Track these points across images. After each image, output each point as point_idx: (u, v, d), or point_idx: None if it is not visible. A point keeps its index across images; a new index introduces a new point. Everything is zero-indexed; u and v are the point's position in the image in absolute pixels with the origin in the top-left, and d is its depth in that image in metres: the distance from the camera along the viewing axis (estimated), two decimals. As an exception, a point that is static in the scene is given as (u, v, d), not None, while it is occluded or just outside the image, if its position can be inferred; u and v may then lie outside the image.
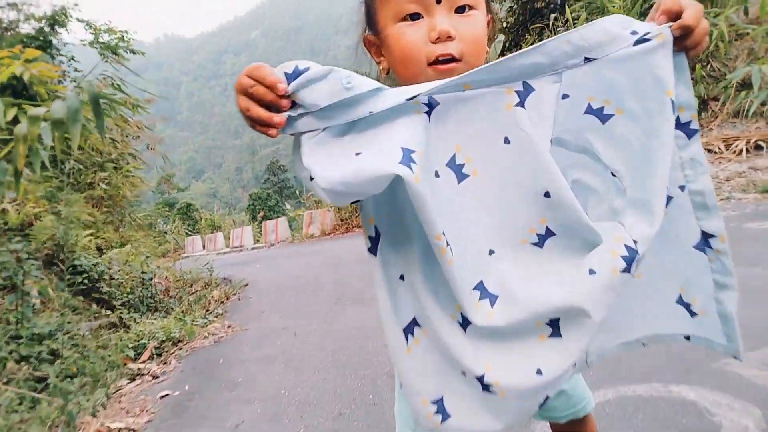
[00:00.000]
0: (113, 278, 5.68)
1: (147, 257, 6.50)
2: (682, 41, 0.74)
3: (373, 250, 0.74)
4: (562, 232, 0.76)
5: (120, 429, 2.44)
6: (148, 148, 11.61)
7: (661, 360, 2.13)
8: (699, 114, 7.73)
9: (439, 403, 0.73)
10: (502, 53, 15.62)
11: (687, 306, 0.84)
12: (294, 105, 0.68)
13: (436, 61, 0.88)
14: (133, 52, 11.02)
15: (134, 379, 3.32)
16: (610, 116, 0.78)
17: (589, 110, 0.79)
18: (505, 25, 17.31)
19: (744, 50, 8.13)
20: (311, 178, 0.64)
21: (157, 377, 3.33)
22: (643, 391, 1.94)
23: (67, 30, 10.18)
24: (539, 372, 0.70)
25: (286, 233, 15.58)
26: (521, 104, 0.74)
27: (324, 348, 3.36)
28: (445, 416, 0.73)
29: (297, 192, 28.94)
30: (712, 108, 7.82)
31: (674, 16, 0.74)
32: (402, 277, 0.74)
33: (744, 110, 7.28)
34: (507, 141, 0.75)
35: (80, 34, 10.96)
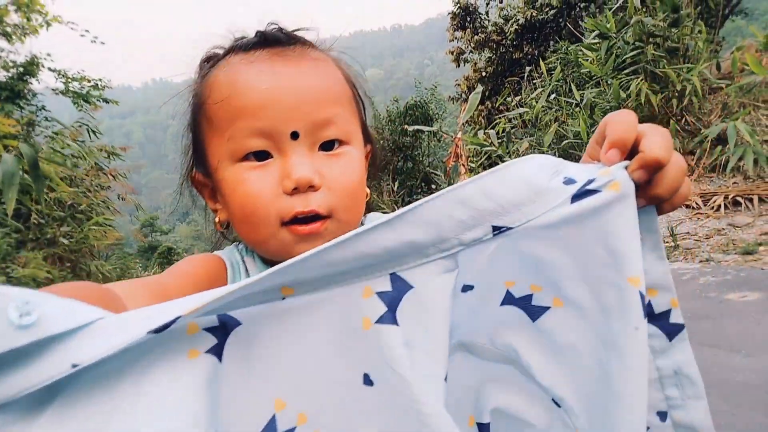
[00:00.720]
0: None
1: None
2: (650, 189, 0.47)
3: None
4: None
5: None
6: (119, 198, 11.33)
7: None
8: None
9: None
10: (482, 102, 15.79)
11: None
12: None
13: (294, 220, 0.61)
14: (105, 101, 10.86)
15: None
16: (543, 309, 0.51)
17: (510, 300, 0.52)
18: (484, 74, 17.58)
19: (718, 105, 8.17)
20: None
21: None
22: None
23: (37, 80, 10.01)
24: None
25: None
26: (391, 318, 0.43)
27: None
28: None
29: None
30: (688, 162, 7.78)
31: (629, 149, 0.48)
32: None
33: (720, 165, 7.24)
34: (369, 381, 0.44)
35: (52, 82, 10.83)
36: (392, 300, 0.44)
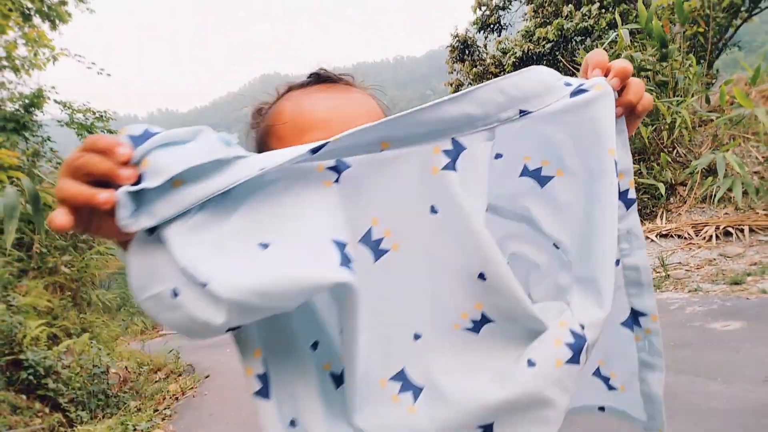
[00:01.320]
0: (59, 374, 5.37)
1: (99, 349, 6.17)
2: (623, 96, 0.67)
3: (264, 393, 0.53)
4: (501, 319, 0.65)
5: None
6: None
7: None
8: (667, 199, 7.83)
9: None
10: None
11: (605, 379, 0.80)
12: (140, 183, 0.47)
13: None
14: (109, 131, 11.09)
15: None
16: (549, 178, 0.71)
17: (526, 172, 0.72)
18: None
19: (708, 137, 8.34)
20: (204, 285, 0.45)
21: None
22: None
23: (42, 111, 10.24)
24: None
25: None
26: (452, 166, 0.62)
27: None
28: None
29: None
30: (680, 193, 7.91)
31: (606, 70, 0.68)
32: (293, 423, 0.56)
33: (711, 196, 7.36)
34: (434, 210, 0.63)
35: (57, 114, 11.06)
36: (453, 155, 0.62)
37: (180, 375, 7.19)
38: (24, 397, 5.03)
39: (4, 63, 10.14)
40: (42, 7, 10.72)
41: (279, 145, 0.81)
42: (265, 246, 0.49)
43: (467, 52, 18.73)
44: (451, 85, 19.54)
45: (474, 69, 18.05)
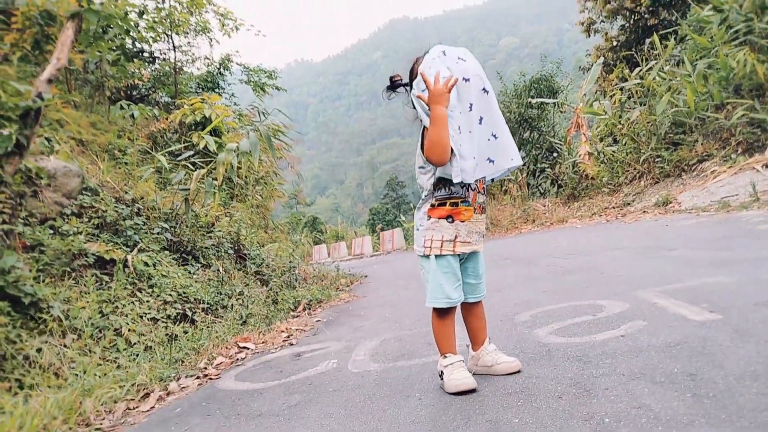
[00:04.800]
0: (269, 265, 7.64)
1: (292, 251, 8.42)
2: None
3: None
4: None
5: (296, 329, 4.18)
6: (289, 166, 14.01)
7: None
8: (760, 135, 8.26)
9: None
10: (612, 71, 16.17)
11: None
12: None
13: None
14: (277, 88, 13.45)
15: (297, 317, 5.09)
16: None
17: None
18: (615, 43, 17.77)
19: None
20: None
21: (311, 315, 5.08)
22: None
23: (230, 72, 12.74)
24: None
25: (402, 242, 17.29)
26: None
27: (416, 299, 4.91)
28: None
29: (413, 206, 30.45)
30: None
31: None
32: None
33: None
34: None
35: (237, 74, 13.54)
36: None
37: (344, 277, 9.36)
38: (252, 277, 7.36)
39: (201, 35, 12.59)
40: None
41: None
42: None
43: (601, -12, 18.45)
44: (582, 24, 19.51)
45: (608, 6, 17.81)
